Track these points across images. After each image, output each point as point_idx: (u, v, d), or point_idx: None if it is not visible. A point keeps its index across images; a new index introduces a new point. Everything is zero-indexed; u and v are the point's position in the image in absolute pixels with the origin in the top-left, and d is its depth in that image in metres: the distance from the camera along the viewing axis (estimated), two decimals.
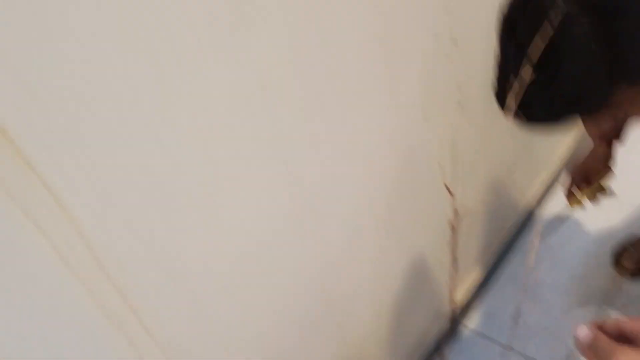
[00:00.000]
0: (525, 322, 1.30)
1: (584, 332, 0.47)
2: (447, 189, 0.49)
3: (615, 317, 1.15)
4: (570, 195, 1.15)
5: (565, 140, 1.70)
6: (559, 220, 1.54)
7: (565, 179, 1.18)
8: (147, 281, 0.57)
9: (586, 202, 1.15)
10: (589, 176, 1.12)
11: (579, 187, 1.13)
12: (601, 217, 1.51)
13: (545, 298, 1.35)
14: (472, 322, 1.35)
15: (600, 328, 0.47)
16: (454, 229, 0.50)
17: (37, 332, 0.49)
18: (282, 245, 0.73)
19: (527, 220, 1.53)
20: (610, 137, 1.06)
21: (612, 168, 1.12)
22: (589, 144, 1.12)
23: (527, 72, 0.48)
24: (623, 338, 0.46)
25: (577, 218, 1.50)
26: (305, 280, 0.79)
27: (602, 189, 1.13)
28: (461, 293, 1.32)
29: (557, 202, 1.61)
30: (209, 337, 0.67)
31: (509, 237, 1.46)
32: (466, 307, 1.32)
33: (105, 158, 0.49)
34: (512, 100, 0.51)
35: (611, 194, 1.14)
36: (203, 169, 0.58)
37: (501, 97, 0.57)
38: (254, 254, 0.69)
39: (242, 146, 0.61)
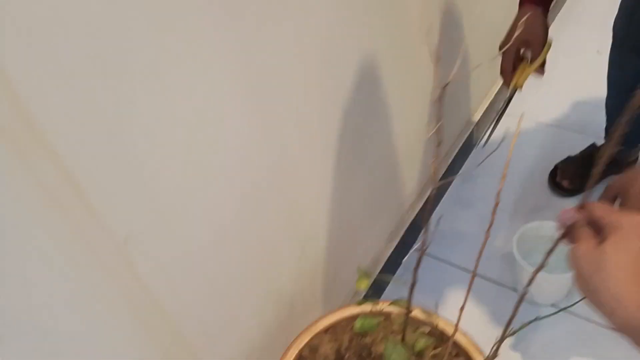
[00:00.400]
0: (468, 240, 1.32)
1: (568, 214, 0.48)
2: (433, 56, 0.43)
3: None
4: (506, 75, 1.01)
5: None
6: (500, 142, 1.58)
7: (500, 57, 1.02)
8: (96, 163, 0.47)
9: (525, 81, 1.02)
10: (527, 48, 1.00)
11: (514, 65, 1.01)
12: (539, 139, 1.56)
13: (488, 217, 1.38)
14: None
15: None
16: (439, 103, 0.45)
17: None
18: (235, 134, 0.64)
19: (466, 144, 1.54)
20: None
21: (548, 37, 1.00)
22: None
23: None
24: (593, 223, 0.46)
25: (518, 139, 1.53)
26: (261, 180, 0.71)
27: (540, 63, 1.00)
28: (411, 213, 1.31)
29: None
30: (166, 228, 0.58)
31: (450, 160, 1.47)
32: (413, 228, 1.32)
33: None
34: None
35: (543, 70, 1.01)
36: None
37: None
38: (206, 139, 0.60)
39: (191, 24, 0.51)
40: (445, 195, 1.46)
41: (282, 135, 0.72)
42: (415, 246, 1.33)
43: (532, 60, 0.99)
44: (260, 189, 0.71)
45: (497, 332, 0.65)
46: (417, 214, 1.32)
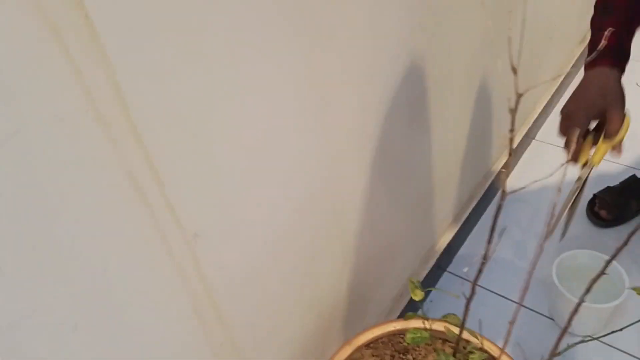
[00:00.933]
0: (502, 265, 1.31)
1: None
2: (513, 67, 0.44)
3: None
4: (575, 151, 0.82)
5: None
6: (534, 170, 1.56)
7: (561, 125, 0.83)
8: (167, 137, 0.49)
9: (601, 160, 0.83)
10: (600, 120, 0.81)
11: (584, 138, 0.82)
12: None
13: (522, 244, 1.37)
14: (453, 267, 1.34)
15: None
16: (514, 113, 0.46)
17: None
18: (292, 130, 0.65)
19: (490, 189, 1.51)
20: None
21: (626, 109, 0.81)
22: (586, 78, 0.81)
23: None
24: None
25: (552, 167, 1.53)
26: (313, 192, 0.73)
27: (620, 138, 0.81)
28: (446, 237, 1.31)
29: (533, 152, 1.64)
30: (230, 230, 0.59)
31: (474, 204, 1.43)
32: (447, 252, 1.31)
33: None
34: None
35: (621, 148, 0.82)
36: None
37: None
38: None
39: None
40: (479, 221, 1.46)
41: (334, 148, 0.74)
42: (464, 271, 1.32)
43: (608, 134, 0.80)
44: (312, 200, 0.73)
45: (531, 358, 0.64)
46: (451, 239, 1.32)
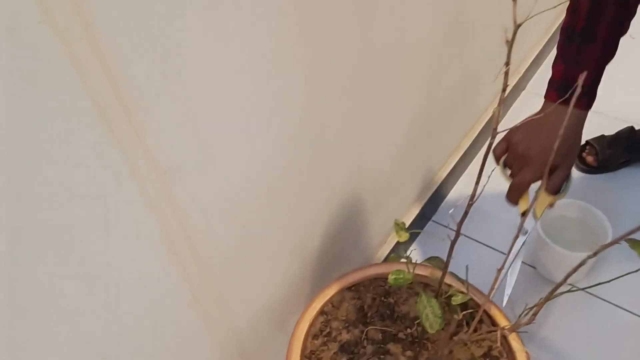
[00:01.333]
0: (487, 215, 1.30)
1: None
2: None
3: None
4: (520, 197, 0.77)
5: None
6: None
7: (511, 160, 0.77)
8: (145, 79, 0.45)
9: (543, 211, 0.79)
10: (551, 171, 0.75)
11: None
12: None
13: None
14: (438, 216, 1.34)
15: None
16: (510, 45, 0.43)
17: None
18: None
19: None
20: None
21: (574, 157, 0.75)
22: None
23: None
24: None
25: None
26: (298, 134, 0.70)
27: (561, 196, 0.78)
28: (431, 186, 1.30)
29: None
30: (208, 166, 0.57)
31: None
32: (432, 201, 1.31)
33: None
34: None
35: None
36: None
37: None
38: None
39: None
40: (465, 172, 1.45)
41: (319, 81, 0.70)
42: (449, 212, 1.32)
43: (550, 190, 0.76)
44: (296, 139, 0.70)
45: (514, 306, 0.63)
46: (436, 188, 1.31)
